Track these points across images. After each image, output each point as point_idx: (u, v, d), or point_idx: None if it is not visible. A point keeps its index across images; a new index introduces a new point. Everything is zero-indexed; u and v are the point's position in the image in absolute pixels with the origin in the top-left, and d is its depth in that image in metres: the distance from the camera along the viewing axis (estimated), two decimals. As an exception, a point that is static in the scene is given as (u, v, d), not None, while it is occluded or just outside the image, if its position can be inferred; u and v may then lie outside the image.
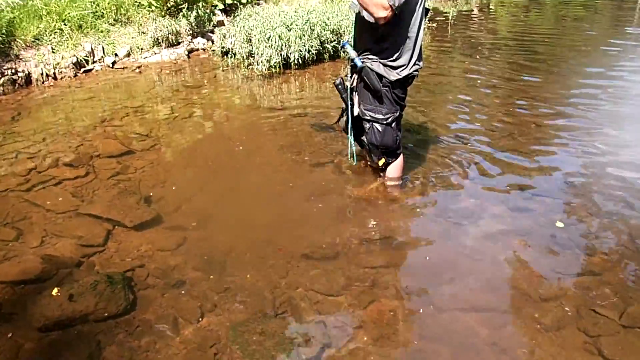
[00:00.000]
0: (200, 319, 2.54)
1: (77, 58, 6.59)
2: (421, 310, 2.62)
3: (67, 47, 6.66)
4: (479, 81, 6.56)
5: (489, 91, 6.11)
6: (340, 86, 3.43)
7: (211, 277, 2.85)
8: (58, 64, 6.38)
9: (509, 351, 2.36)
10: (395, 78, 3.20)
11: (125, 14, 7.61)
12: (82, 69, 6.62)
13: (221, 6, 8.47)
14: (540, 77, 6.62)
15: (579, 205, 3.50)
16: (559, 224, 3.23)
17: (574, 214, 3.41)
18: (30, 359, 2.30)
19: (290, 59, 6.85)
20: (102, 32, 7.21)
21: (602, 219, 3.35)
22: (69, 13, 6.91)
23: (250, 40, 7.04)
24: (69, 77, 6.42)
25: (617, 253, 3.00)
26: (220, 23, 8.37)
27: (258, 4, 8.96)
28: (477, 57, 7.90)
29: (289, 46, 6.80)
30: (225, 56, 7.46)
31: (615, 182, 3.79)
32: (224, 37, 7.53)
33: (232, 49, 7.28)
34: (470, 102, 5.67)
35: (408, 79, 3.29)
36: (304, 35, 6.90)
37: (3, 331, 2.44)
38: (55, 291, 2.59)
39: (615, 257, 2.97)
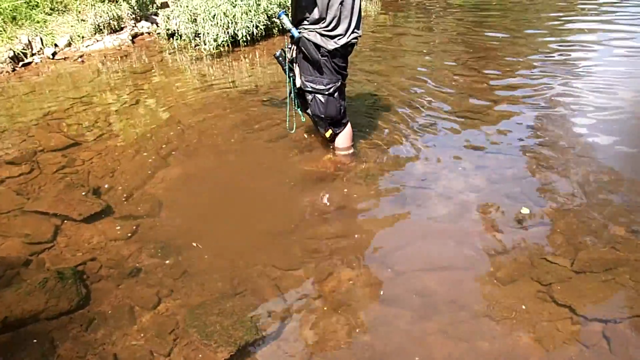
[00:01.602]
0: (157, 306, 2.49)
1: (14, 52, 6.28)
2: (380, 276, 2.62)
3: (2, 40, 6.35)
4: (431, 44, 6.56)
5: (441, 54, 6.12)
6: (280, 58, 3.36)
7: (167, 262, 2.79)
8: (-7, 59, 6.09)
9: (467, 307, 2.39)
10: (333, 47, 3.15)
11: (61, 2, 7.29)
12: (21, 63, 6.32)
13: (163, -13, 8.19)
14: (492, 37, 6.68)
15: (530, 159, 3.56)
16: (524, 210, 3.00)
17: (526, 168, 3.46)
18: (-19, 365, 2.22)
19: (238, 37, 6.70)
20: (38, 22, 6.89)
21: (552, 170, 3.41)
22: (0, 5, 6.57)
23: (196, 20, 6.85)
24: (7, 72, 6.11)
25: (567, 202, 3.07)
26: (164, 4, 8.10)
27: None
28: (430, 21, 7.90)
29: (236, 23, 6.65)
30: (171, 38, 7.23)
31: (564, 135, 3.87)
32: (168, 18, 7.29)
33: (177, 30, 7.06)
34: (423, 66, 5.67)
35: (347, 48, 3.24)
36: (250, 10, 6.76)
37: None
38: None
39: (566, 206, 3.03)
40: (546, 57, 5.64)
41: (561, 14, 7.64)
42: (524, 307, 2.35)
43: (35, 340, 2.30)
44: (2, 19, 6.55)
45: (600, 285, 2.43)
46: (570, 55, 5.66)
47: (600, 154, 3.55)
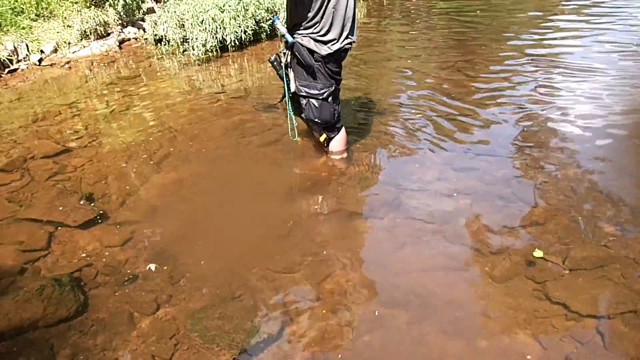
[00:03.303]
0: (157, 311, 2.49)
1: (0, 58, 6.23)
2: (377, 277, 2.66)
3: (-13, 47, 6.30)
4: (417, 49, 6.62)
5: (428, 58, 6.18)
6: (275, 63, 3.38)
7: (164, 268, 2.79)
8: (-21, 66, 6.03)
9: (465, 306, 2.43)
10: (326, 52, 3.17)
11: (47, 8, 7.24)
12: (6, 70, 6.26)
13: (149, -8, 8.18)
14: (477, 40, 6.74)
15: (520, 160, 3.62)
16: (537, 253, 2.69)
17: (516, 169, 3.51)
18: (-21, 374, 2.21)
19: (226, 41, 6.71)
20: (24, 28, 6.84)
21: (542, 170, 3.47)
22: (-15, 11, 6.52)
23: (184, 25, 6.86)
24: (-8, 78, 6.07)
25: (558, 202, 3.12)
26: (151, 10, 8.08)
27: (188, -12, 8.69)
28: (415, 26, 7.97)
29: (224, 28, 6.66)
30: (158, 44, 7.22)
31: (553, 136, 3.93)
32: (156, 24, 7.27)
33: (165, 35, 7.06)
34: (411, 70, 5.72)
35: (340, 53, 3.27)
36: (238, 15, 6.77)
37: (-54, 349, 2.32)
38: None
39: (557, 206, 3.08)
40: (532, 59, 5.72)
41: (545, 15, 7.77)
42: (519, 305, 2.39)
43: (34, 348, 2.30)
44: (-13, 26, 6.49)
45: (592, 283, 2.49)
46: (556, 56, 5.75)
47: (588, 154, 3.62)
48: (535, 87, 4.90)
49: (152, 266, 2.78)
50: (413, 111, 4.51)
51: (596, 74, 5.14)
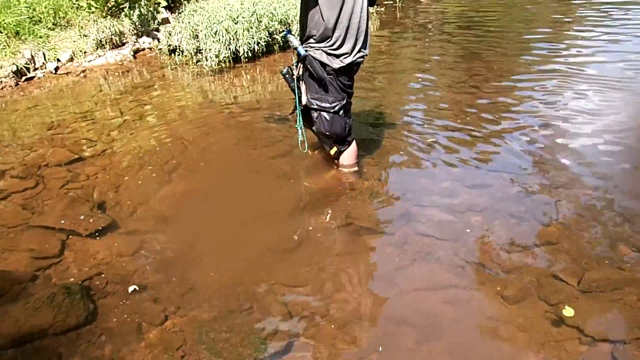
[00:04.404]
0: (164, 322, 2.49)
1: (17, 66, 6.33)
2: (385, 294, 2.64)
3: (5, 55, 6.39)
4: (430, 63, 6.63)
5: (441, 72, 6.19)
6: (287, 75, 3.39)
7: (173, 279, 2.80)
8: (-4, 73, 6.12)
9: (473, 327, 2.40)
10: (338, 66, 3.18)
11: (64, 17, 7.35)
12: (24, 77, 6.36)
13: (165, 3, 8.27)
14: (490, 55, 6.73)
15: (534, 178, 3.58)
16: (567, 312, 2.42)
17: (530, 186, 3.48)
18: (-12, 381, 2.22)
19: (239, 53, 6.77)
20: (41, 37, 6.94)
21: (556, 189, 3.43)
22: (3, 20, 6.63)
23: (197, 36, 6.93)
24: (9, 86, 6.15)
25: (572, 221, 3.09)
26: (165, 20, 8.18)
27: (203, -1, 8.80)
28: (428, 39, 7.99)
29: (237, 39, 6.72)
30: (172, 54, 7.30)
31: (567, 153, 3.89)
32: (170, 34, 7.36)
33: (179, 46, 7.13)
34: (423, 84, 5.73)
35: (353, 67, 3.27)
36: (251, 27, 6.83)
37: (-44, 355, 2.33)
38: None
39: (571, 225, 3.05)
40: (546, 74, 5.69)
41: (558, 28, 7.74)
42: (532, 326, 2.36)
43: (43, 356, 2.31)
44: (5, 34, 6.59)
45: (607, 305, 2.45)
46: (571, 72, 5.70)
47: (604, 173, 3.57)
48: (551, 103, 4.87)
49: (131, 288, 2.73)
50: (425, 125, 4.51)
51: (612, 88, 5.09)
